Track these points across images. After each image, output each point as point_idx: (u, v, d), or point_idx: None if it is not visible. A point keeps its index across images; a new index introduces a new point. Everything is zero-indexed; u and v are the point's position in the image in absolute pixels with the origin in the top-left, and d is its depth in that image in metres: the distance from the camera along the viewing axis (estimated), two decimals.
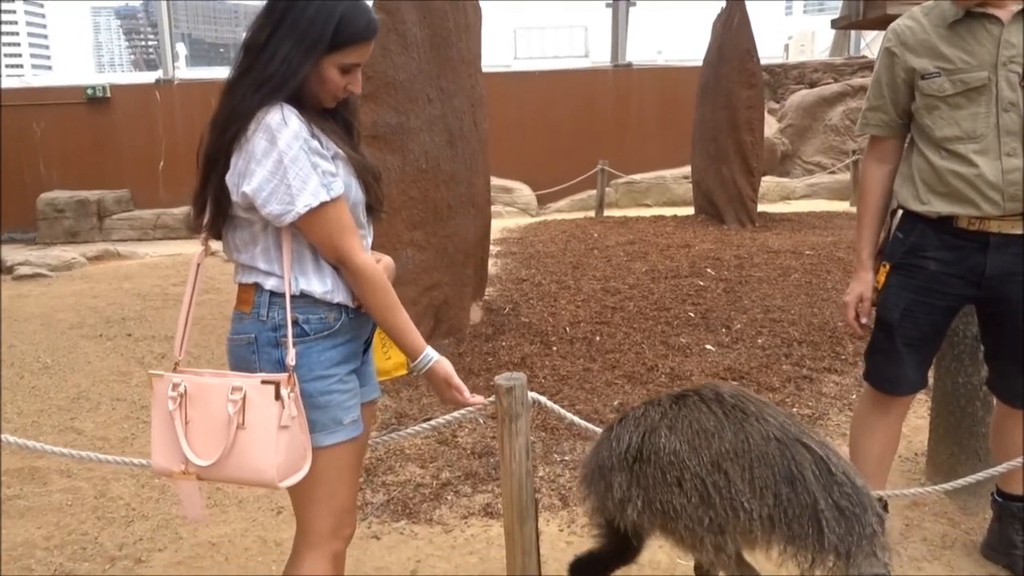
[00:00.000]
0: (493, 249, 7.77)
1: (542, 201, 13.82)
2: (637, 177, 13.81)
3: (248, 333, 1.81)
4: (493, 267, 7.33)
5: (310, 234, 1.76)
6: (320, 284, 1.80)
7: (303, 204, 1.68)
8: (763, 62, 10.52)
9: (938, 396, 3.18)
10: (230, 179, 1.72)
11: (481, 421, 3.93)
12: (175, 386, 1.79)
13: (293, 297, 1.78)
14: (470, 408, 2.57)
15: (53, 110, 14.04)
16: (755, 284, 6.38)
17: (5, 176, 13.69)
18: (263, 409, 1.71)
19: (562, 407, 2.63)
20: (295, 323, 1.78)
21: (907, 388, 2.59)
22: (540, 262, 7.74)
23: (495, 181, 8.29)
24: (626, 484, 2.02)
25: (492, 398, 2.47)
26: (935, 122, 2.40)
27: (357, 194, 1.83)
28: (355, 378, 1.90)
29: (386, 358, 2.18)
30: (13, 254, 9.57)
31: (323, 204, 1.71)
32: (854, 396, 4.16)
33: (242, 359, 1.82)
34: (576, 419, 2.59)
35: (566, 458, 3.60)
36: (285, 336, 1.77)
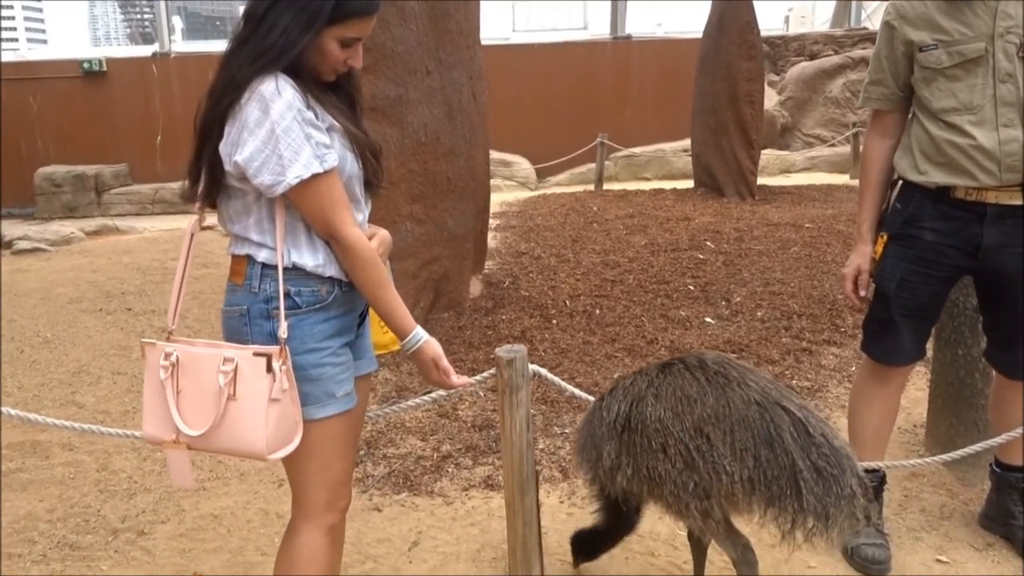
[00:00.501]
0: (492, 223, 7.75)
1: (541, 175, 13.76)
2: (637, 150, 13.75)
3: (240, 305, 1.80)
4: (492, 241, 7.32)
5: (301, 206, 1.74)
6: (312, 257, 1.79)
7: (294, 175, 1.67)
8: (763, 34, 10.43)
9: (937, 368, 3.18)
10: (223, 148, 1.71)
11: (481, 394, 3.94)
12: (167, 355, 1.79)
13: (285, 269, 1.77)
14: (470, 381, 2.58)
15: (49, 84, 13.95)
16: (755, 257, 6.38)
17: (3, 151, 13.62)
18: (254, 381, 1.71)
19: (562, 380, 2.64)
20: (287, 295, 1.77)
21: (904, 359, 2.61)
22: (539, 236, 7.72)
23: (494, 155, 8.25)
24: (615, 452, 2.06)
25: (492, 371, 2.48)
26: (933, 94, 2.41)
27: (352, 167, 1.82)
28: (348, 351, 1.90)
29: (383, 331, 2.17)
30: (12, 229, 9.55)
31: (315, 176, 1.69)
32: (853, 368, 4.16)
33: (235, 331, 1.82)
34: (576, 391, 2.60)
35: (566, 431, 3.61)
36: (277, 308, 1.76)
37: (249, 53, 1.70)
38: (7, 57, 15.23)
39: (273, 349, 1.72)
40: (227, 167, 1.72)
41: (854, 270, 2.65)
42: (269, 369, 1.70)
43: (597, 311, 5.16)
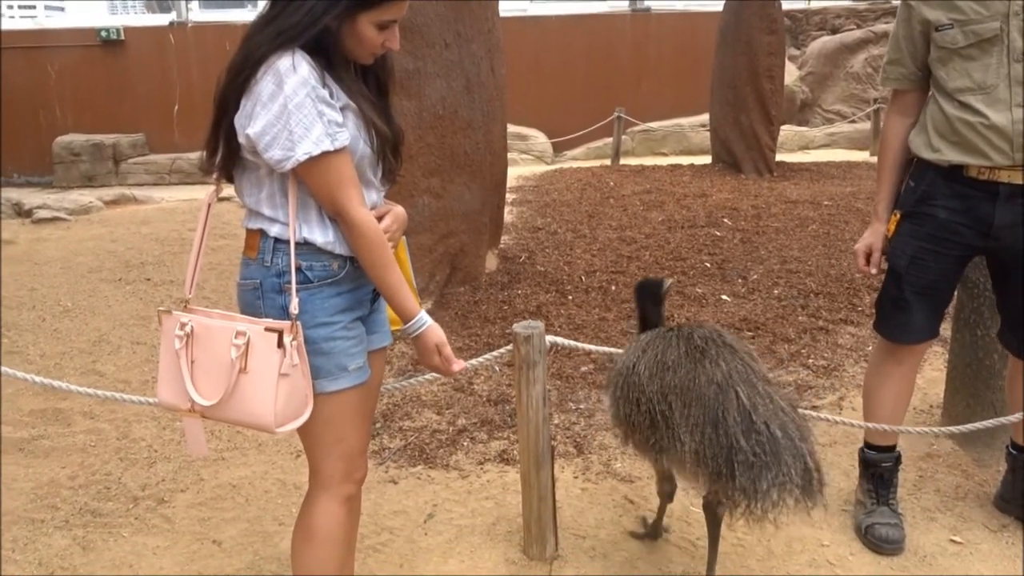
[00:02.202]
0: (508, 197, 7.73)
1: (558, 149, 13.68)
2: (654, 125, 13.63)
3: (254, 279, 1.83)
4: (508, 215, 7.30)
5: (309, 183, 1.75)
6: (322, 234, 1.80)
7: (303, 151, 1.68)
8: (784, 7, 10.26)
9: (956, 348, 3.17)
10: (238, 121, 1.73)
11: (497, 369, 3.96)
12: (182, 325, 1.82)
13: (296, 244, 1.78)
14: (487, 356, 2.60)
15: (67, 52, 13.93)
16: (772, 235, 6.34)
17: (21, 120, 13.67)
18: (265, 355, 1.73)
19: (577, 356, 2.64)
20: (298, 270, 1.79)
21: (916, 337, 2.61)
22: (556, 211, 7.70)
23: (510, 128, 8.18)
24: (618, 391, 2.28)
25: (509, 346, 2.49)
26: (948, 74, 2.40)
27: (364, 148, 1.82)
28: (360, 325, 1.91)
29: None
30: (31, 197, 9.60)
31: (324, 153, 1.70)
32: (870, 348, 4.15)
33: (249, 304, 1.85)
34: (595, 347, 2.61)
35: (581, 407, 3.63)
36: (289, 283, 1.78)
37: (272, 31, 1.72)
38: (26, 24, 15.24)
39: (284, 324, 1.74)
40: (240, 139, 1.74)
41: (865, 247, 2.67)
42: (280, 344, 1.72)
43: (613, 287, 5.16)
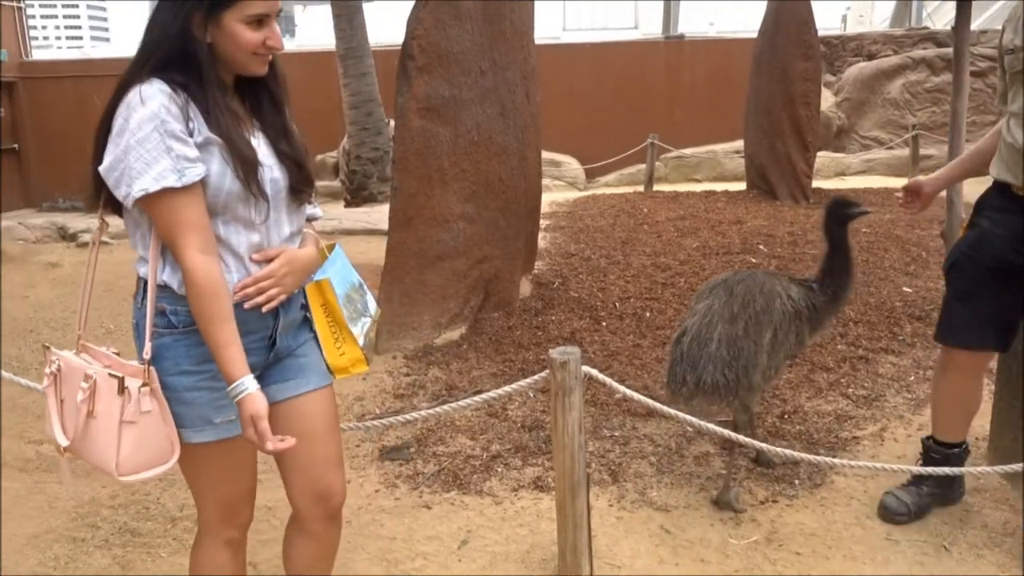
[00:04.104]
0: (542, 223, 7.74)
1: (590, 175, 13.71)
2: (688, 151, 13.61)
3: (133, 319, 1.81)
4: (542, 241, 7.31)
5: (154, 222, 1.68)
6: (180, 279, 1.71)
7: (139, 188, 1.60)
8: (820, 33, 10.22)
9: (1002, 379, 3.10)
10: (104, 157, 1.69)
11: (531, 395, 3.95)
12: (51, 363, 1.81)
13: (160, 287, 1.73)
14: (521, 383, 2.60)
15: (112, 82, 14.14)
16: (809, 262, 6.27)
17: (67, 146, 14.04)
18: (108, 401, 1.69)
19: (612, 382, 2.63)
20: (163, 313, 1.73)
21: (954, 338, 2.72)
22: (589, 236, 7.70)
23: (543, 154, 8.22)
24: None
25: (545, 372, 2.49)
26: (1012, 96, 2.54)
27: (232, 184, 1.70)
28: None
29: (340, 354, 1.98)
30: (75, 222, 9.81)
31: (167, 190, 1.61)
32: (912, 378, 4.07)
33: (134, 344, 1.81)
34: (629, 391, 2.59)
35: (615, 433, 3.60)
36: (154, 326, 1.73)
37: (136, 58, 1.70)
38: (72, 55, 15.65)
39: (131, 369, 1.70)
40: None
41: (914, 183, 2.97)
42: (122, 391, 1.67)
43: (647, 314, 5.13)
